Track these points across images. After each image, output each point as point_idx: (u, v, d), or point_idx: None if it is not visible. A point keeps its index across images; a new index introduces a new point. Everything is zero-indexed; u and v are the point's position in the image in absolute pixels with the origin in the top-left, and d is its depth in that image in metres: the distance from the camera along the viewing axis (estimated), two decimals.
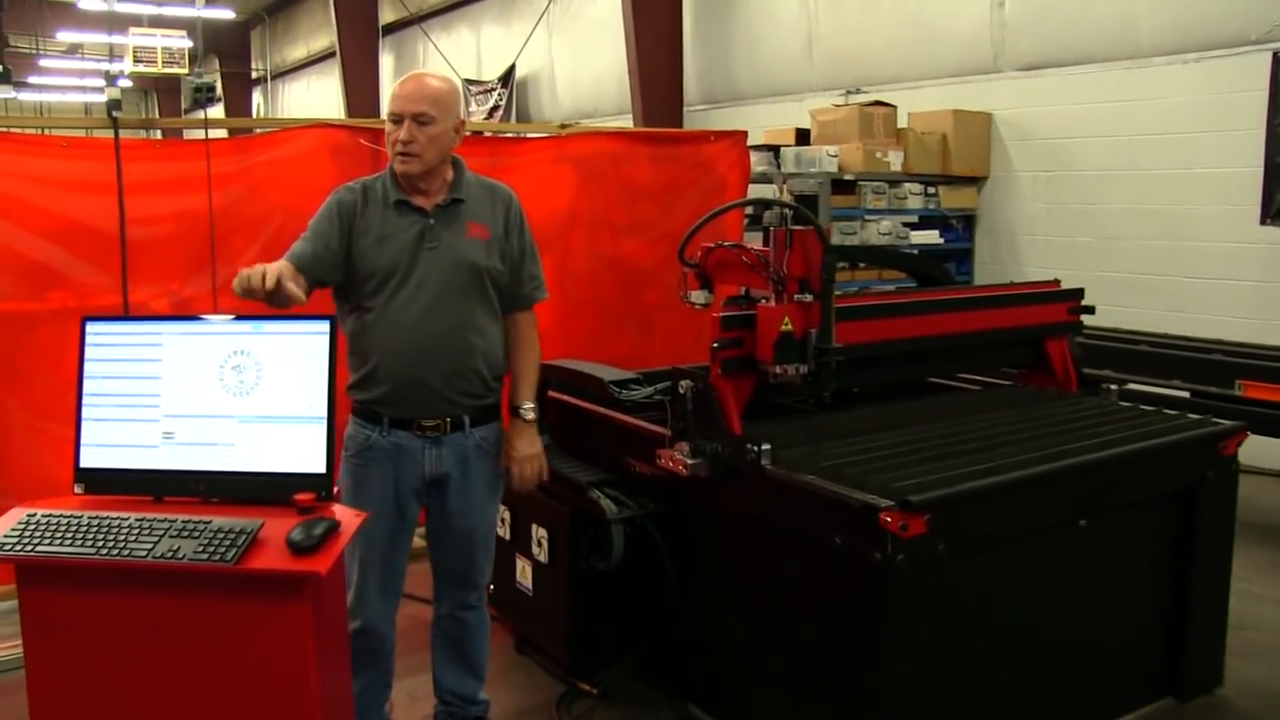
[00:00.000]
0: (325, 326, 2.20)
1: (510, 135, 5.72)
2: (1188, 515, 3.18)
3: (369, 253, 2.77)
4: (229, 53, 22.95)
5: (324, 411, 2.19)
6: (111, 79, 4.03)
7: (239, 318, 2.28)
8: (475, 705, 3.11)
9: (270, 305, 2.36)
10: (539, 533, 3.53)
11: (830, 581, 2.64)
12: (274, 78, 22.55)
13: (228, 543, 2.04)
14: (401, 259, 2.76)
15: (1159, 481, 3.13)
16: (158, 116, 21.90)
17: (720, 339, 2.92)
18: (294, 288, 2.43)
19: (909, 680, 2.54)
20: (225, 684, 2.12)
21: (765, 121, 8.95)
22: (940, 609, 2.58)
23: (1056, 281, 3.79)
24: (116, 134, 4.07)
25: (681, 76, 10.56)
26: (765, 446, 2.81)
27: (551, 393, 3.77)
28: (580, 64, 12.67)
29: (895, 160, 7.25)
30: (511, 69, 13.87)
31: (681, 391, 3.00)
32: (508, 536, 3.75)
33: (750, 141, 8.16)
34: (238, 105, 22.85)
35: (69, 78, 23.32)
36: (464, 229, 2.86)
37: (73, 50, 23.19)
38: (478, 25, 15.18)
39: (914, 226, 7.48)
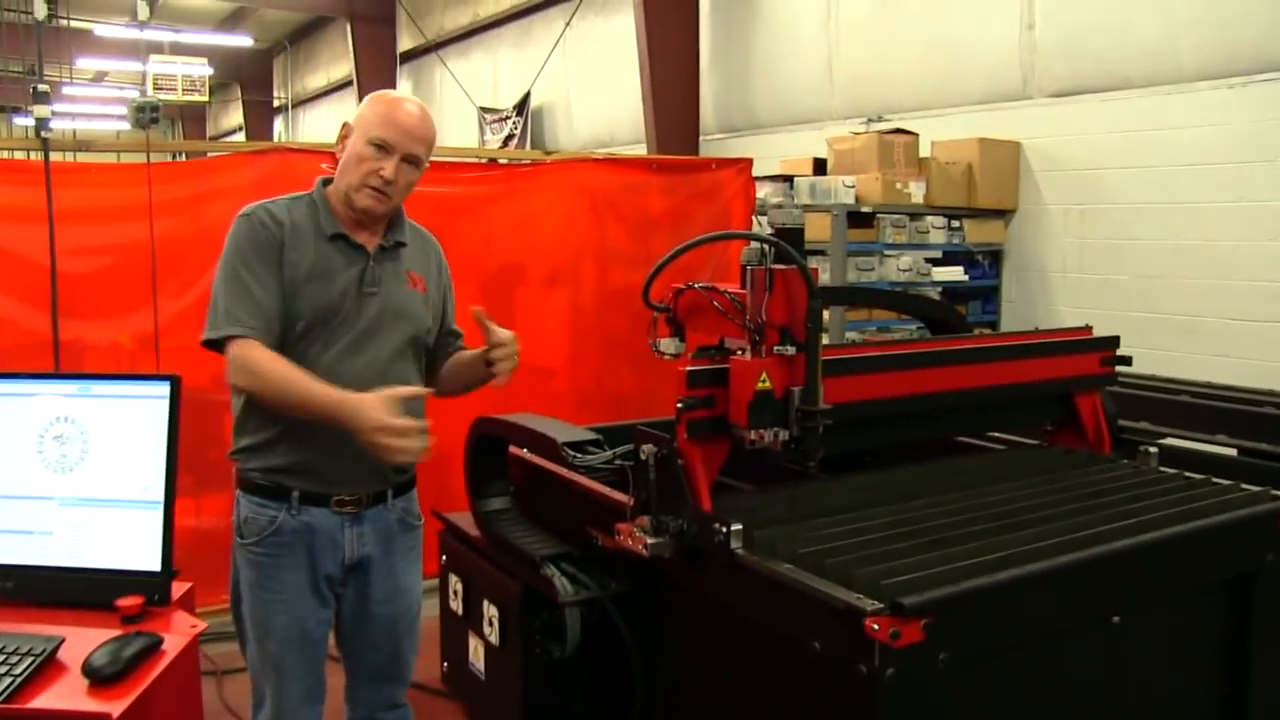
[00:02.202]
0: (165, 389, 1.80)
1: (526, 163, 5.33)
2: (1244, 606, 2.69)
3: (302, 292, 2.33)
4: (251, 80, 22.90)
5: (161, 495, 1.77)
6: (41, 96, 3.65)
7: (64, 376, 1.87)
8: None
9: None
10: (490, 610, 3.10)
11: (809, 692, 2.20)
12: (295, 105, 22.45)
13: (5, 669, 1.61)
14: (340, 304, 2.35)
15: (1210, 568, 2.65)
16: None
17: (686, 398, 2.48)
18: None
19: None
20: None
21: (784, 151, 8.57)
22: None
23: (1088, 328, 3.33)
24: (46, 156, 3.72)
25: (698, 104, 10.20)
26: (735, 527, 2.36)
27: (513, 449, 3.34)
28: (596, 92, 12.35)
29: (917, 192, 6.81)
30: (527, 96, 13.57)
31: (643, 458, 2.56)
32: (460, 611, 3.33)
33: (769, 171, 7.84)
34: (260, 133, 22.76)
35: (94, 105, 23.33)
36: (404, 278, 2.48)
37: (98, 78, 23.24)
38: (494, 52, 14.93)
39: (937, 262, 7.04)
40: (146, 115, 3.85)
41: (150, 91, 17.57)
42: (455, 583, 3.37)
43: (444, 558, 3.45)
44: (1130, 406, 4.14)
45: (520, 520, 3.27)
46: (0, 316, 3.92)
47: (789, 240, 2.46)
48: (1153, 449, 3.23)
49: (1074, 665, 2.40)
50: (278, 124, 23.33)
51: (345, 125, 2.46)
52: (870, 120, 8.10)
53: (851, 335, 6.50)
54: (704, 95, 10.26)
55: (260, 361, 2.25)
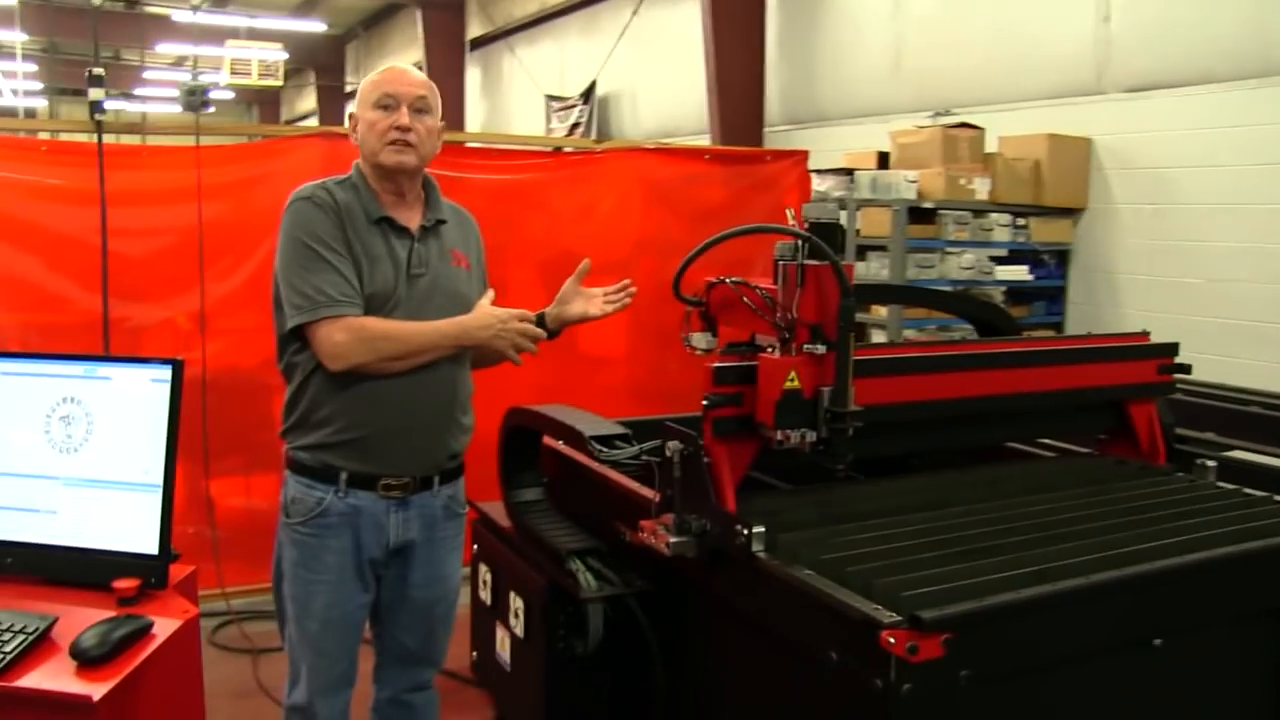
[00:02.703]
0: (167, 373, 1.78)
1: (573, 151, 5.32)
2: None
3: (366, 273, 2.34)
4: (324, 66, 23.20)
5: (160, 478, 1.75)
6: (96, 79, 3.69)
7: (72, 357, 1.86)
8: None
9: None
10: (516, 603, 3.07)
11: (825, 703, 2.12)
12: None
13: None
14: (393, 287, 2.34)
15: (1264, 593, 2.50)
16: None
17: (713, 395, 2.41)
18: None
19: None
20: None
21: (848, 144, 8.42)
22: None
23: (1145, 334, 3.19)
24: (100, 139, 3.77)
25: (763, 95, 10.07)
26: (758, 529, 2.29)
27: (546, 440, 3.30)
28: (662, 81, 12.27)
29: (981, 188, 6.63)
30: (593, 85, 13.54)
31: (668, 455, 2.50)
32: (489, 601, 3.31)
33: (833, 164, 7.70)
34: (332, 117, 23.04)
35: (172, 89, 23.84)
36: (449, 256, 2.48)
37: (178, 63, 23.71)
38: (562, 40, 14.91)
39: (1001, 261, 6.85)
40: (197, 99, 3.88)
41: (227, 76, 17.89)
42: (485, 573, 3.35)
43: (476, 547, 3.43)
44: (1196, 416, 3.97)
45: (551, 513, 3.24)
46: (60, 296, 3.99)
47: (823, 236, 2.37)
48: (1210, 462, 3.07)
49: (1111, 689, 2.29)
50: (350, 109, 23.61)
51: (350, 116, 2.48)
52: (937, 114, 7.91)
53: (909, 333, 6.37)
54: (769, 86, 10.13)
55: (378, 328, 2.30)
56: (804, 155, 5.24)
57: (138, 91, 22.52)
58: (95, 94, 3.69)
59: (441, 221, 2.49)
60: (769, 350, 2.43)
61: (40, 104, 19.52)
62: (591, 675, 2.88)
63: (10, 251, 3.91)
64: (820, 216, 2.40)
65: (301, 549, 2.41)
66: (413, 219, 2.44)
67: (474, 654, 3.49)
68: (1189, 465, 3.11)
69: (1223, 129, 6.08)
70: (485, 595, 3.34)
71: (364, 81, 2.45)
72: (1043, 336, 3.74)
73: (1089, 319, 6.85)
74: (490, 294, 2.48)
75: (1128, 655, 2.29)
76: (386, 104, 2.36)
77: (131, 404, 1.81)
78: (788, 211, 2.47)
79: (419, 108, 2.38)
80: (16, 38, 15.58)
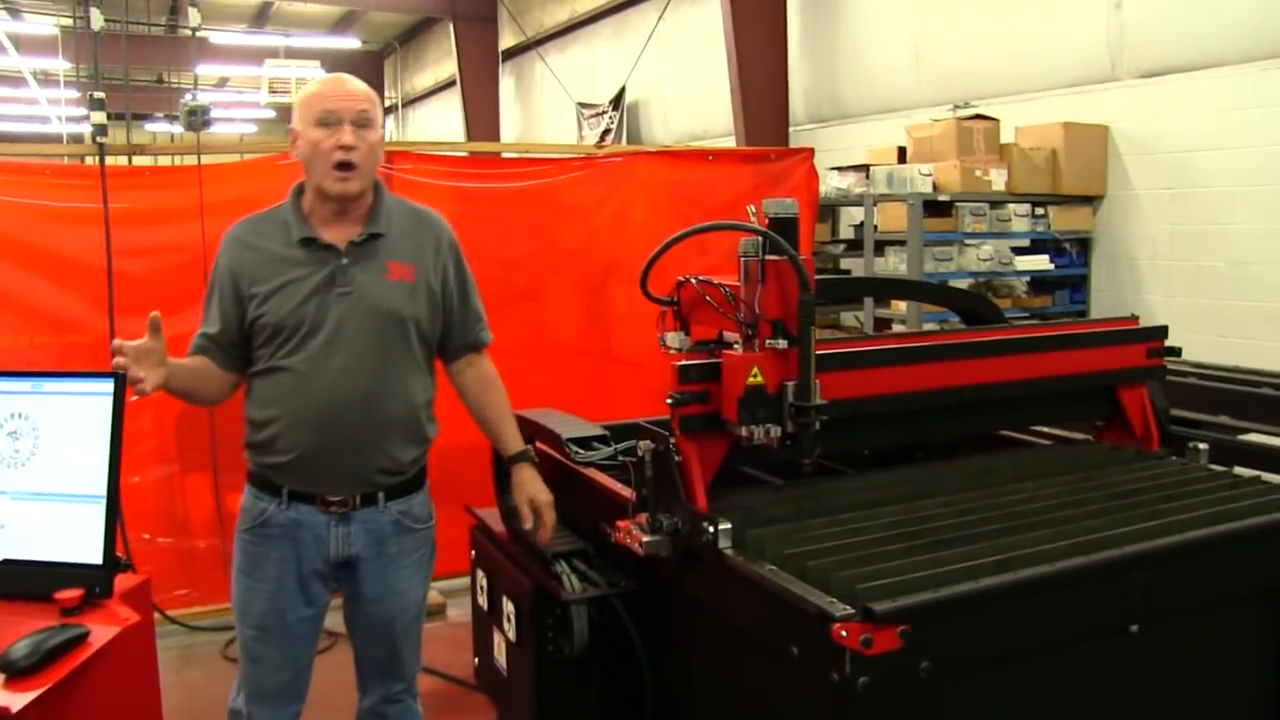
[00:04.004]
0: (108, 386, 1.83)
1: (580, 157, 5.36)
2: None
3: (266, 306, 2.34)
4: (363, 81, 23.46)
5: (104, 490, 1.80)
6: (96, 103, 3.79)
7: (19, 374, 1.91)
8: None
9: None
10: (508, 607, 3.09)
11: (790, 698, 2.12)
12: (405, 105, 22.94)
13: None
14: (307, 310, 2.34)
15: (1246, 576, 2.46)
16: None
17: (679, 393, 2.43)
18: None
19: None
20: None
21: (872, 140, 8.39)
22: None
23: (1134, 318, 3.15)
24: (103, 161, 3.86)
25: (786, 95, 10.04)
26: (724, 526, 2.30)
27: (539, 444, 3.33)
28: (690, 84, 12.28)
29: (997, 179, 6.56)
30: (622, 91, 13.58)
31: (640, 454, 2.51)
32: (486, 607, 3.34)
33: (854, 161, 7.68)
34: None
35: (218, 109, 24.26)
36: (383, 269, 2.42)
37: (220, 84, 24.15)
38: (591, 47, 14.98)
39: (1022, 251, 6.77)
40: (198, 118, 3.96)
41: (267, 95, 18.18)
42: (481, 578, 3.37)
43: (473, 553, 3.46)
44: (1207, 399, 3.90)
45: None
46: (69, 317, 4.09)
47: (782, 231, 2.37)
48: (1202, 445, 3.03)
49: (1085, 678, 2.27)
50: (389, 123, 23.88)
51: (291, 131, 2.43)
52: (957, 107, 7.84)
53: (929, 326, 6.31)
54: (793, 86, 10.10)
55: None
56: (809, 152, 5.23)
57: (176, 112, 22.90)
58: (96, 118, 3.77)
59: (378, 235, 2.43)
60: (734, 347, 2.44)
61: (85, 129, 20.00)
62: (582, 676, 2.89)
63: (19, 274, 4.01)
64: (779, 212, 2.41)
65: (244, 555, 2.45)
66: (344, 235, 2.40)
67: (476, 660, 3.52)
68: (1181, 450, 3.07)
69: (1240, 111, 5.97)
70: (483, 601, 3.37)
71: (303, 92, 2.41)
72: (1025, 325, 3.70)
73: (1113, 305, 6.75)
74: (154, 315, 2.23)
75: (1103, 643, 2.26)
76: (328, 121, 2.31)
77: (76, 418, 1.87)
78: (749, 208, 2.48)
79: (361, 122, 2.33)
80: (59, 65, 15.97)
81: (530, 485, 2.69)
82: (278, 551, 2.41)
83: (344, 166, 2.31)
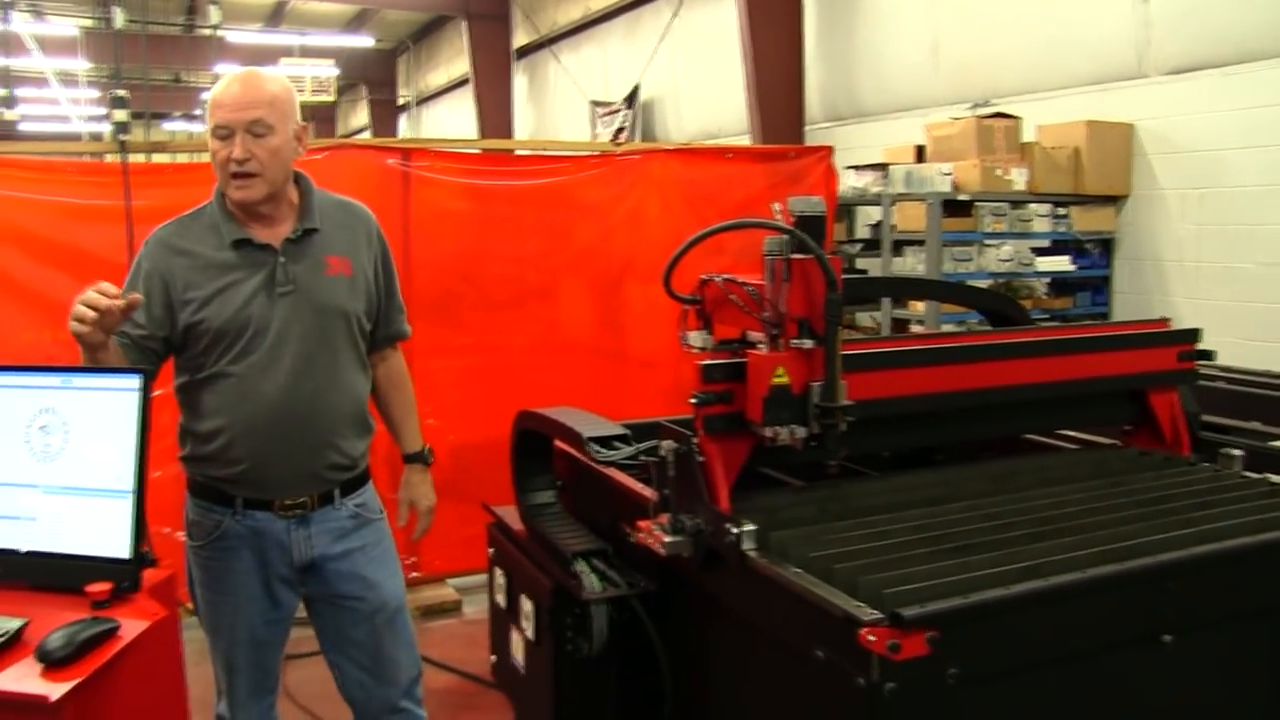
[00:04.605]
0: (136, 382, 1.83)
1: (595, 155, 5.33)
2: None
3: (205, 312, 2.29)
4: (376, 80, 23.52)
5: (131, 485, 1.79)
6: (119, 100, 3.78)
7: (50, 369, 1.90)
8: None
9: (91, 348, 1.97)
10: (526, 606, 3.07)
11: (815, 703, 2.09)
12: (419, 103, 22.96)
13: None
14: (250, 313, 2.29)
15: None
16: None
17: (702, 393, 2.39)
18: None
19: None
20: None
21: (889, 139, 8.34)
22: None
23: (1165, 320, 3.09)
24: (125, 157, 3.85)
25: (802, 93, 10.00)
26: (748, 528, 2.26)
27: (558, 442, 3.30)
28: (703, 83, 12.25)
29: (1018, 178, 6.51)
30: (636, 89, 13.55)
31: (663, 454, 2.48)
32: (504, 605, 3.31)
33: (874, 160, 7.62)
34: (384, 131, 23.36)
35: None
36: (322, 265, 2.39)
37: None
38: (605, 45, 14.95)
39: (1043, 252, 6.72)
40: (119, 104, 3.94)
41: None
42: (500, 576, 3.35)
43: (491, 551, 3.43)
44: (1238, 404, 3.84)
45: (563, 515, 3.23)
46: None
47: (809, 229, 2.34)
48: (1236, 451, 2.97)
49: (1116, 688, 2.22)
50: (402, 121, 23.92)
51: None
52: (976, 105, 7.79)
53: (947, 328, 6.27)
54: (809, 84, 10.05)
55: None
56: (828, 151, 5.19)
57: (197, 112, 22.99)
58: (119, 115, 3.77)
59: (312, 230, 2.40)
60: (758, 347, 2.41)
61: (104, 128, 20.10)
62: (600, 677, 2.86)
63: (44, 270, 4.01)
64: (806, 210, 2.37)
65: (205, 570, 2.41)
66: (278, 232, 2.36)
67: (493, 658, 3.50)
68: (1213, 457, 3.02)
69: (1270, 108, 5.90)
70: (501, 599, 3.34)
71: (210, 92, 2.35)
72: (1052, 327, 3.66)
73: (1137, 307, 6.70)
74: (136, 297, 2.21)
75: (1135, 652, 2.22)
76: (222, 134, 2.27)
77: (104, 413, 1.87)
78: (774, 206, 2.45)
79: (256, 131, 2.26)
80: (80, 65, 16.05)
81: (418, 487, 2.71)
82: (240, 562, 2.37)
83: (240, 175, 2.27)
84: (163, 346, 2.33)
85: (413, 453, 2.69)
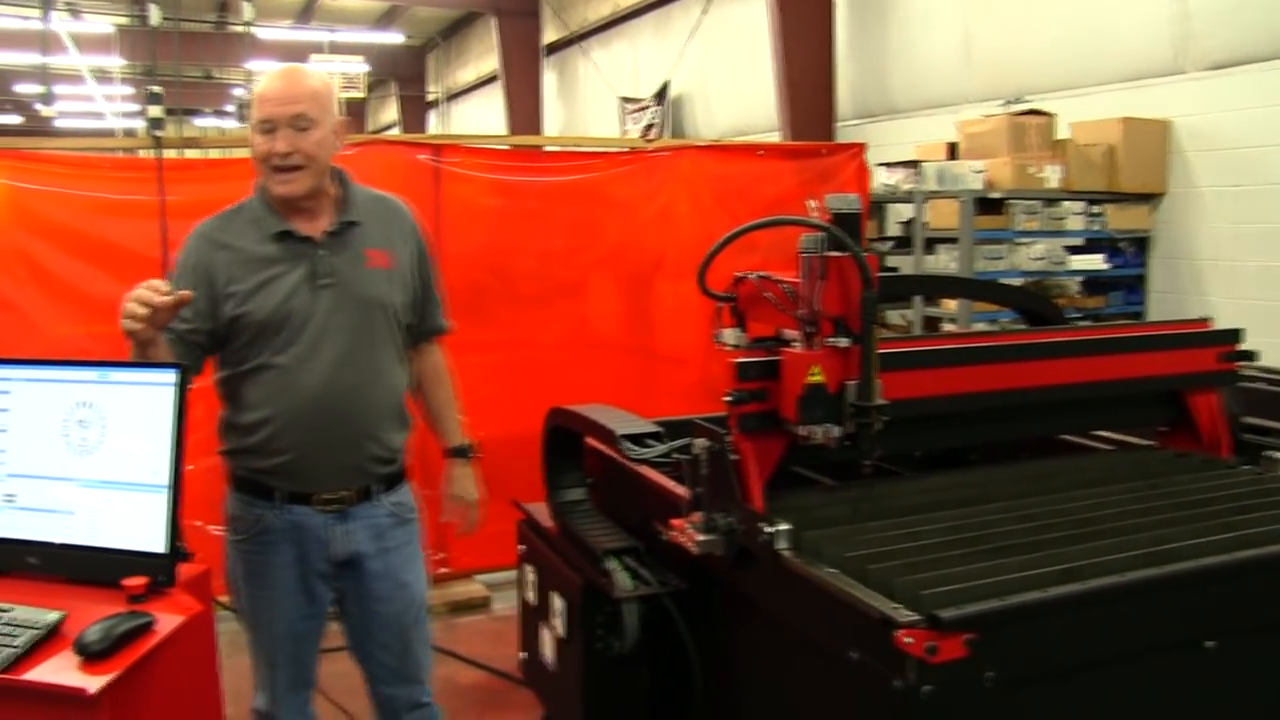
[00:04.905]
0: (172, 376, 1.83)
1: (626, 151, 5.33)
2: None
3: (248, 305, 2.31)
4: (405, 76, 23.60)
5: (167, 479, 1.79)
6: (154, 97, 3.81)
7: (87, 363, 1.91)
8: None
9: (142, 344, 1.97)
10: (557, 603, 3.06)
11: (849, 704, 2.07)
12: (448, 99, 23.02)
13: (8, 640, 1.69)
14: (292, 305, 2.32)
15: None
16: None
17: (736, 391, 2.38)
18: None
19: None
20: None
21: (920, 136, 8.28)
22: None
23: (1206, 320, 3.05)
24: (159, 153, 3.88)
25: (833, 89, 9.94)
26: (782, 527, 2.25)
27: (589, 439, 3.29)
28: (733, 79, 12.20)
29: (1052, 176, 6.44)
30: (665, 85, 13.52)
31: (695, 452, 2.46)
32: (533, 602, 3.31)
33: (905, 157, 7.57)
34: (414, 127, 23.46)
35: None
36: (362, 258, 2.41)
37: None
38: (635, 41, 14.93)
39: (1077, 250, 6.65)
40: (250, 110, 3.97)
41: None
42: (530, 573, 3.34)
43: (521, 548, 3.43)
44: (1275, 407, 3.79)
45: (594, 513, 3.23)
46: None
47: (845, 227, 2.32)
48: (1278, 454, 2.92)
49: (1155, 693, 2.19)
50: (431, 118, 24.00)
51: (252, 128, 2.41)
52: (1008, 102, 7.71)
53: (980, 325, 6.21)
54: (839, 81, 9.99)
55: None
56: (860, 148, 5.16)
57: (228, 108, 23.19)
58: (154, 111, 3.80)
59: (352, 223, 2.42)
60: (793, 345, 2.39)
61: (138, 124, 20.28)
62: (630, 674, 2.86)
63: (78, 265, 4.05)
64: (842, 207, 2.35)
65: (246, 565, 2.43)
66: (319, 225, 2.38)
67: (522, 654, 3.50)
68: (1255, 459, 2.97)
69: None
70: (530, 596, 3.34)
71: (254, 89, 2.38)
72: (1089, 326, 3.62)
73: (1172, 307, 6.62)
74: (187, 293, 2.21)
75: (1176, 658, 2.18)
76: (266, 128, 2.29)
77: (141, 407, 1.88)
78: (809, 203, 2.43)
79: (299, 125, 2.28)
80: (114, 62, 16.21)
81: (462, 481, 2.73)
82: (279, 556, 2.40)
83: (283, 169, 2.29)
84: (207, 340, 2.35)
85: (455, 447, 2.71)
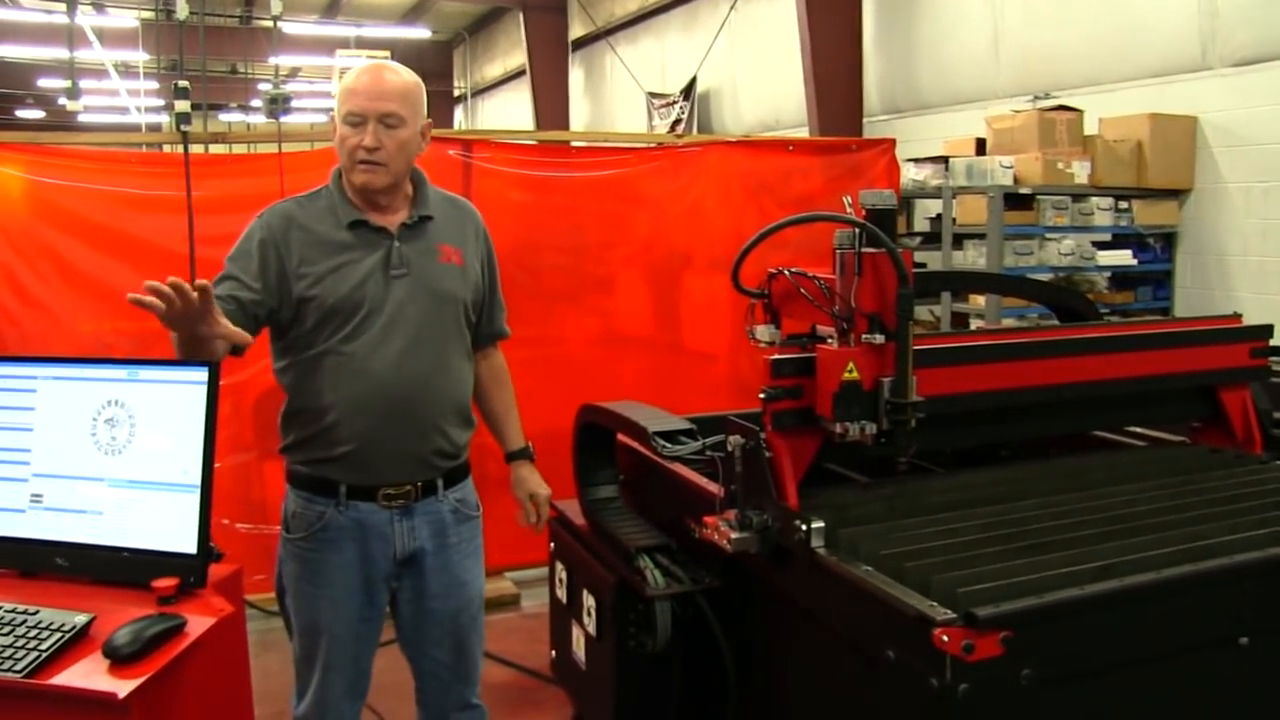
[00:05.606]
0: (203, 375, 1.83)
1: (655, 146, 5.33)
2: None
3: (319, 288, 2.30)
4: (433, 71, 23.60)
5: (198, 479, 1.80)
6: (181, 91, 3.84)
7: (115, 361, 1.91)
8: None
9: (188, 334, 1.94)
10: (589, 601, 3.08)
11: (885, 702, 2.08)
12: (474, 95, 23.05)
13: (35, 643, 1.66)
14: (365, 292, 2.32)
15: None
16: None
17: (771, 388, 2.39)
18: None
19: None
20: None
21: (949, 131, 8.22)
22: None
23: (1237, 316, 3.04)
24: (186, 148, 3.91)
25: (861, 85, 9.89)
26: (817, 525, 2.26)
27: (621, 436, 3.31)
28: (761, 74, 12.17)
29: (1080, 171, 6.40)
30: (693, 81, 13.50)
31: (730, 449, 2.47)
32: (565, 600, 3.33)
33: (933, 152, 7.54)
34: (440, 122, 23.19)
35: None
36: (435, 252, 2.42)
37: (292, 74, 24.46)
38: (662, 37, 14.91)
39: (1104, 246, 6.61)
40: (279, 106, 4.00)
41: (337, 85, 18.39)
42: (561, 571, 3.36)
43: (552, 545, 3.45)
44: None
45: (625, 510, 3.24)
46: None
47: (879, 223, 2.32)
48: None
49: (1191, 690, 2.19)
50: (458, 113, 24.03)
51: (332, 118, 2.40)
52: (1037, 98, 7.66)
53: (1008, 322, 6.19)
54: (868, 76, 9.95)
55: None
56: (891, 143, 5.14)
57: (255, 104, 23.27)
58: (181, 106, 3.82)
59: (427, 217, 2.43)
60: (828, 341, 2.40)
61: (163, 119, 20.39)
62: (663, 672, 2.87)
63: (104, 260, 4.08)
64: (877, 204, 2.35)
65: (303, 564, 2.38)
66: (394, 219, 2.39)
67: (553, 652, 3.52)
68: None
69: None
70: (561, 594, 3.36)
71: (343, 81, 2.37)
72: (1121, 322, 3.59)
73: (1199, 303, 6.56)
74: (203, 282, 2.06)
75: (1210, 655, 2.18)
76: (354, 121, 2.29)
77: (170, 406, 1.87)
78: (845, 199, 2.43)
79: (389, 123, 2.29)
80: (139, 57, 16.31)
81: (530, 480, 2.72)
82: (339, 556, 2.36)
83: (368, 161, 2.30)
84: (266, 315, 2.31)
85: (518, 449, 2.72)
